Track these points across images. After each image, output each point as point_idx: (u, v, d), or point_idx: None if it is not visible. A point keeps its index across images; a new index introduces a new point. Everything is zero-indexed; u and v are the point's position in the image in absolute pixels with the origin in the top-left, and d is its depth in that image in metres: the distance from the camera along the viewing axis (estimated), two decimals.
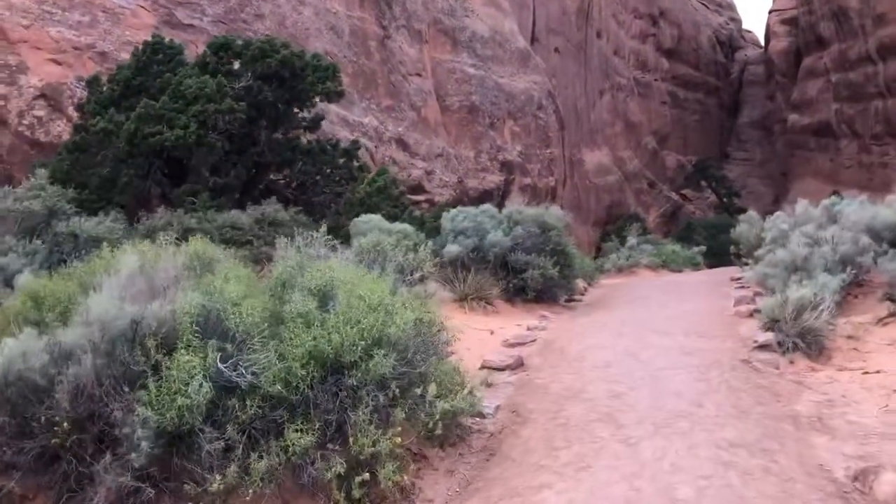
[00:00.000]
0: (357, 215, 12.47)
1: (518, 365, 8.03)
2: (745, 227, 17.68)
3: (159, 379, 4.43)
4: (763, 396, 6.35)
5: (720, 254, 32.93)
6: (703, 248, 26.88)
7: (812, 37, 44.98)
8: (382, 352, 4.86)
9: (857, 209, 11.53)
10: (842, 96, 43.09)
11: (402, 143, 24.00)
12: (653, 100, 48.56)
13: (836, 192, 39.80)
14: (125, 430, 4.24)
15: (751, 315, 10.16)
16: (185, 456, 4.40)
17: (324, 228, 7.02)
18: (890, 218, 10.31)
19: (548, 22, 35.88)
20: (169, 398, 4.33)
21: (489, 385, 7.12)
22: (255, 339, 4.85)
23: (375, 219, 12.12)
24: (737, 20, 57.93)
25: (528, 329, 10.26)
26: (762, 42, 54.76)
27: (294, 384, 4.69)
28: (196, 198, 12.76)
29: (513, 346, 9.24)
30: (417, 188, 24.14)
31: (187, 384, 4.38)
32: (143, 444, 4.16)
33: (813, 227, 11.32)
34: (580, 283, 14.75)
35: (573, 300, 13.51)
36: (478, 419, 5.98)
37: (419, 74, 26.18)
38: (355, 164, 15.72)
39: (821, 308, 8.05)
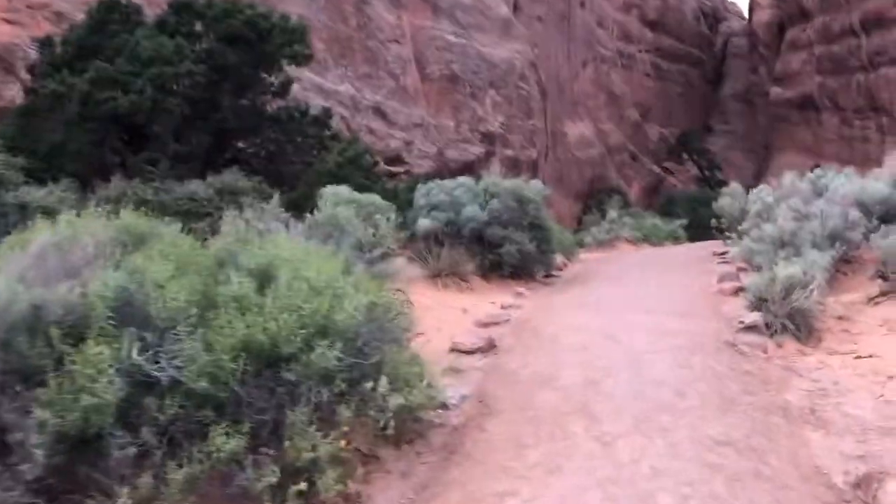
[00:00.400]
0: (326, 186, 11.79)
1: (489, 347, 7.45)
2: (728, 200, 17.18)
3: (62, 374, 3.80)
4: (750, 384, 5.82)
5: (701, 227, 32.48)
6: (685, 221, 26.42)
7: (796, 9, 44.32)
8: (326, 342, 4.26)
9: (845, 182, 11.00)
10: (825, 69, 42.59)
11: (379, 112, 23.21)
12: (636, 72, 47.81)
13: (817, 166, 39.51)
14: (18, 435, 3.62)
15: (735, 293, 9.65)
16: (91, 464, 3.78)
17: (275, 200, 6.36)
18: (879, 191, 9.79)
19: None
20: (72, 397, 3.70)
21: (457, 371, 6.54)
22: (181, 327, 4.23)
23: (344, 190, 11.42)
24: None
25: (503, 307, 9.69)
26: (746, 14, 54.03)
27: (223, 379, 4.08)
28: (155, 167, 12.02)
29: (485, 325, 8.66)
30: (396, 159, 23.42)
31: (95, 380, 3.75)
32: (38, 451, 3.54)
33: (800, 201, 10.78)
34: (559, 258, 14.19)
35: (551, 276, 12.95)
36: (441, 411, 5.40)
37: (398, 41, 25.30)
38: (327, 132, 14.99)
39: (811, 287, 7.53)
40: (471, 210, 11.57)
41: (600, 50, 42.63)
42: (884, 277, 8.03)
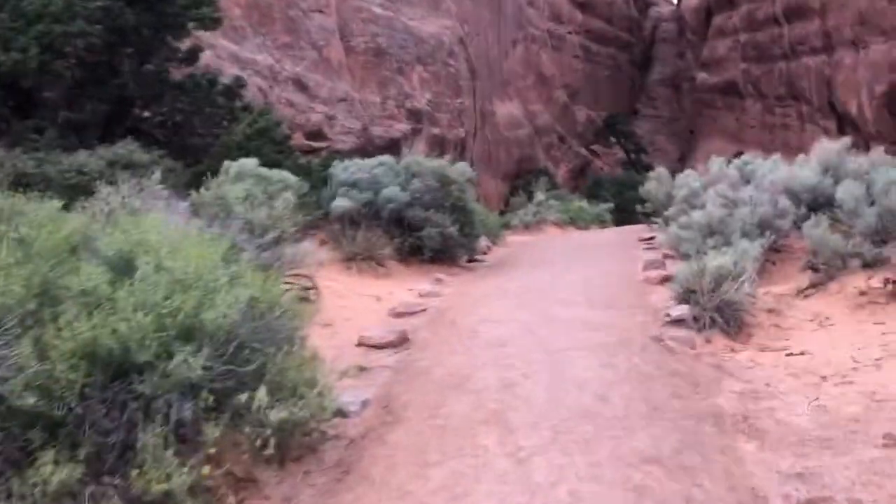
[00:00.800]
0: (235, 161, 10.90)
1: (401, 342, 6.84)
2: (654, 184, 16.97)
3: None
4: (679, 386, 5.38)
5: (627, 210, 32.66)
6: (611, 205, 26.36)
7: None
8: (190, 347, 3.56)
9: (773, 169, 10.79)
10: (749, 56, 43.34)
11: (300, 85, 22.17)
12: (566, 53, 47.68)
13: (740, 152, 40.26)
14: None
15: (662, 282, 9.30)
16: None
17: (157, 175, 5.55)
18: (809, 179, 9.57)
19: None
20: None
21: (362, 370, 5.90)
22: (9, 327, 3.46)
23: (250, 164, 10.58)
24: None
25: (420, 295, 9.09)
26: (675, 0, 54.58)
27: (58, 393, 3.34)
28: (41, 135, 10.88)
29: (399, 316, 8.06)
30: (317, 134, 22.46)
31: None
32: None
33: (727, 188, 10.51)
34: (483, 242, 13.67)
35: (474, 260, 12.42)
36: (339, 419, 4.76)
37: (321, 11, 24.20)
38: (238, 103, 14.01)
39: (742, 279, 7.19)
40: (391, 190, 10.90)
41: (530, 30, 42.25)
42: (814, 269, 7.78)
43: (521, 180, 34.90)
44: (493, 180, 35.08)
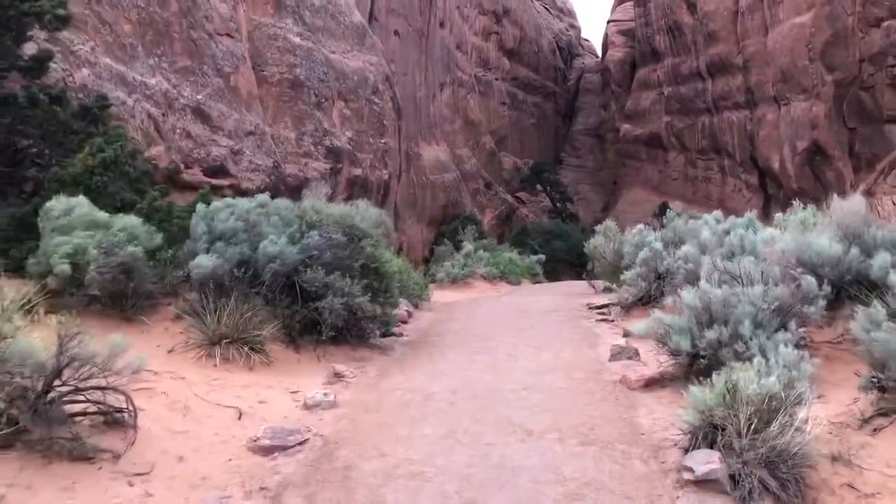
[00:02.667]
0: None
1: None
2: (601, 240, 14.44)
3: None
4: None
5: (556, 261, 30.37)
6: (542, 257, 23.86)
7: (648, 49, 44.01)
8: None
9: (775, 234, 8.21)
10: (673, 109, 42.35)
11: (200, 114, 18.89)
12: (493, 99, 45.82)
13: (665, 203, 38.73)
14: None
15: (646, 386, 6.52)
16: None
17: None
18: (830, 250, 7.03)
19: (388, 0, 31.69)
20: None
21: None
22: None
23: (82, 206, 7.38)
24: (576, 28, 56.65)
25: (306, 406, 6.01)
26: (599, 52, 53.76)
27: None
28: None
29: (265, 453, 4.96)
30: (219, 170, 19.15)
31: None
32: None
33: (720, 258, 7.91)
34: (402, 308, 10.69)
35: (391, 335, 9.40)
36: None
37: (230, 35, 21.09)
38: (101, 128, 10.72)
39: (799, 414, 4.45)
40: (275, 244, 7.81)
41: (459, 74, 40.11)
42: (881, 388, 5.11)
43: (446, 226, 32.22)
44: (417, 225, 32.28)
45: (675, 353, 6.56)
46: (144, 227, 7.58)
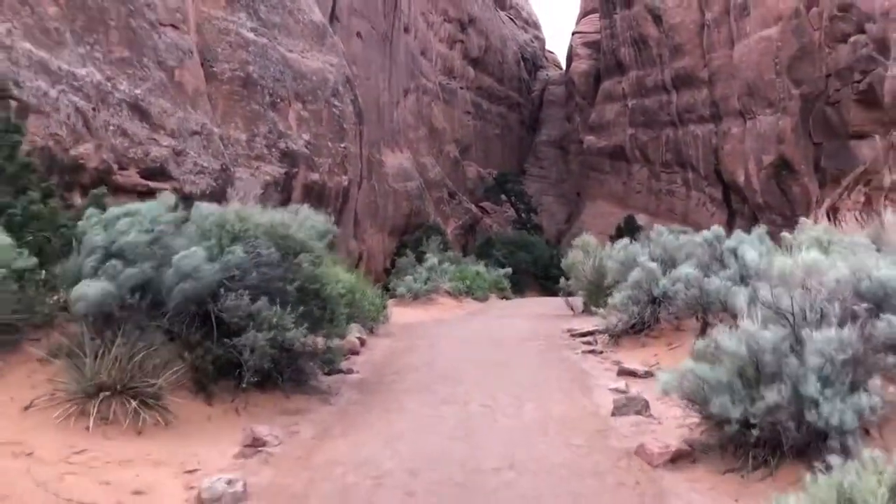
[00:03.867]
0: None
1: None
2: (580, 255, 12.69)
3: None
4: None
5: (519, 272, 28.55)
6: (509, 270, 22.10)
7: (613, 61, 42.78)
8: None
9: (818, 261, 6.49)
10: (637, 122, 41.15)
11: (139, 110, 16.72)
12: (457, 108, 44.12)
13: (631, 216, 37.38)
14: None
15: (673, 460, 4.72)
16: None
17: None
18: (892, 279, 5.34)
19: (351, 0, 29.76)
20: None
21: None
22: None
23: None
24: (541, 39, 55.29)
25: (201, 503, 4.06)
26: (563, 64, 52.52)
27: None
28: None
29: None
30: (158, 172, 16.99)
31: None
32: None
33: (768, 289, 6.16)
34: (354, 335, 8.77)
35: (338, 371, 7.47)
36: None
37: (176, 27, 18.94)
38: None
39: None
40: (188, 260, 5.84)
41: (423, 81, 38.31)
42: None
43: (409, 236, 30.32)
44: (378, 234, 30.30)
45: (712, 417, 4.78)
46: (9, 241, 5.54)
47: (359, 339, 8.94)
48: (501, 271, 21.40)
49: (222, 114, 20.42)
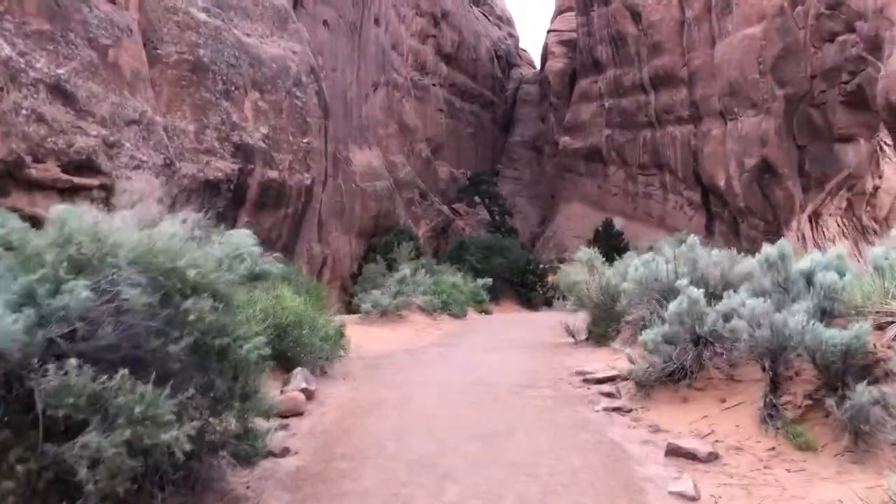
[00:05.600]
0: None
1: None
2: (580, 271, 10.24)
3: None
4: None
5: (494, 277, 25.86)
6: (489, 281, 19.66)
7: (589, 60, 40.64)
8: None
9: None
10: (614, 122, 39.09)
11: (61, 93, 13.93)
12: (429, 105, 41.63)
13: (609, 219, 35.20)
14: None
15: None
16: None
17: None
18: None
19: None
20: None
21: None
22: None
23: None
24: (515, 37, 52.91)
25: None
26: (537, 64, 50.29)
27: None
28: None
29: None
30: (85, 165, 14.22)
31: None
32: None
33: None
34: (297, 387, 6.22)
35: (265, 455, 4.88)
36: None
37: (111, 0, 16.14)
38: None
39: None
40: None
41: (394, 76, 35.70)
42: None
43: (378, 239, 27.72)
44: (345, 237, 27.67)
45: None
46: None
47: (304, 391, 6.40)
48: (480, 282, 18.97)
49: (167, 102, 17.65)
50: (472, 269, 25.32)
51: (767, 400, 5.83)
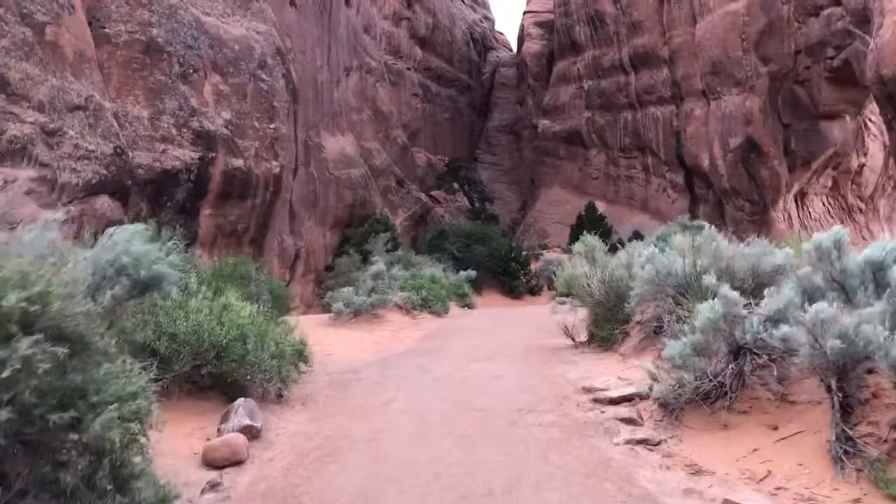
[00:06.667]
0: None
1: None
2: (583, 266, 8.83)
3: None
4: None
5: (475, 265, 24.37)
6: (472, 273, 18.25)
7: (567, 41, 39.19)
8: None
9: None
10: (594, 104, 37.74)
11: None
12: (404, 90, 39.97)
13: (591, 203, 33.90)
14: None
15: None
16: None
17: None
18: None
19: None
20: None
21: None
22: None
23: None
24: (490, 19, 51.22)
25: None
26: (514, 46, 48.76)
27: None
28: None
29: None
30: (18, 155, 12.53)
31: None
32: None
33: None
34: (238, 424, 4.78)
35: None
36: None
37: None
38: None
39: None
40: None
41: (367, 60, 33.99)
42: None
43: (353, 230, 26.16)
44: (319, 228, 26.07)
45: None
46: None
47: (246, 429, 4.94)
48: (463, 275, 17.56)
49: (118, 85, 15.94)
50: (453, 259, 23.94)
51: (839, 430, 4.47)
